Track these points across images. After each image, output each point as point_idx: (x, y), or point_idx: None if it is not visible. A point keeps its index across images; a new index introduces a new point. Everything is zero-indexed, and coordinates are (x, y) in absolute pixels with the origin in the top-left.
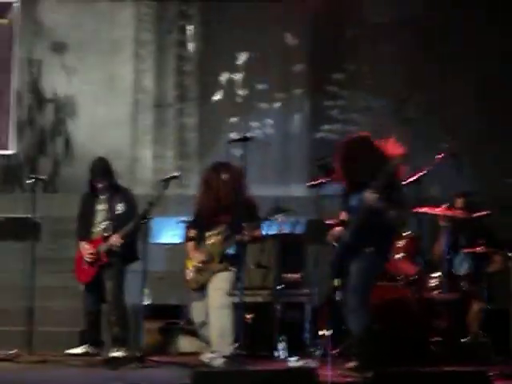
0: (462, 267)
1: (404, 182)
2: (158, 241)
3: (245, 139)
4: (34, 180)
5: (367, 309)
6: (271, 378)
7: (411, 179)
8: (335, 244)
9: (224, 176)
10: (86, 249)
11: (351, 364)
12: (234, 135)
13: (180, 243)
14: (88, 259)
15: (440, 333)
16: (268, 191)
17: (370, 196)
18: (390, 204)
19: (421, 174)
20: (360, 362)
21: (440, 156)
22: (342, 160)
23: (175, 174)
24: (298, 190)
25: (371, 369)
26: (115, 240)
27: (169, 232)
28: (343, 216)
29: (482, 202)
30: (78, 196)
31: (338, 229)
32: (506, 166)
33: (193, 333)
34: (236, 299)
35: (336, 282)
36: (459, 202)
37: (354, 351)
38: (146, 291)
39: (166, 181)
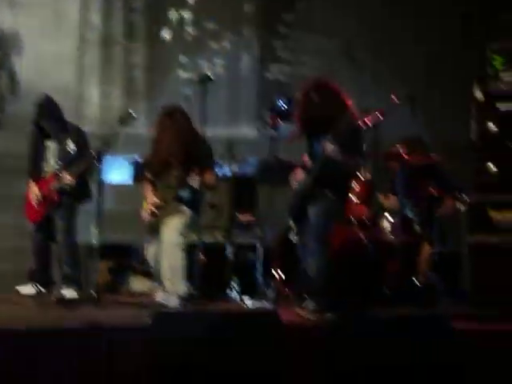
0: (413, 210)
1: (361, 127)
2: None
3: (206, 79)
4: None
5: (325, 251)
6: (233, 319)
7: (367, 124)
8: (295, 185)
9: (176, 122)
10: (33, 190)
11: (309, 305)
12: (182, 74)
13: (128, 183)
14: (34, 201)
15: (392, 275)
16: (217, 132)
17: (329, 146)
18: (349, 154)
19: (377, 119)
20: (318, 304)
21: (395, 100)
22: (305, 106)
23: (130, 111)
24: (248, 131)
25: (329, 310)
26: (67, 178)
27: (117, 171)
28: (305, 159)
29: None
30: (23, 133)
31: (299, 172)
32: (452, 110)
33: (145, 273)
34: (192, 240)
35: (293, 225)
36: (402, 147)
37: (312, 292)
38: (95, 230)
39: (123, 119)
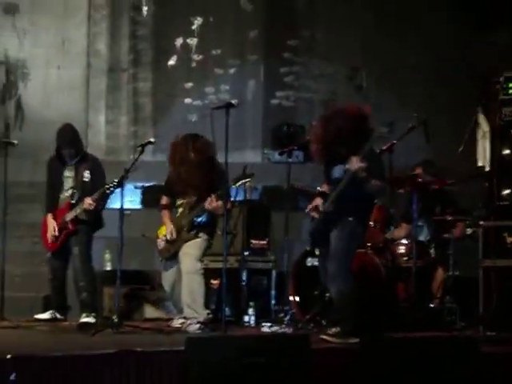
0: (423, 234)
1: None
2: (115, 206)
3: (229, 105)
4: (4, 144)
5: (349, 275)
6: (266, 343)
7: (383, 148)
8: (315, 215)
9: (193, 150)
10: (52, 224)
11: (334, 330)
12: (188, 101)
13: (138, 209)
14: (50, 239)
15: (407, 299)
16: (222, 157)
17: (356, 164)
18: (372, 174)
19: (392, 143)
20: (343, 328)
21: (411, 125)
22: (327, 132)
23: (151, 139)
24: (253, 157)
25: (355, 335)
26: (88, 203)
27: (126, 198)
28: (324, 187)
29: (439, 171)
30: (29, 161)
31: (317, 200)
32: (458, 137)
33: (158, 299)
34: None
35: (315, 251)
36: (418, 171)
37: (336, 317)
38: (108, 257)
39: (142, 146)
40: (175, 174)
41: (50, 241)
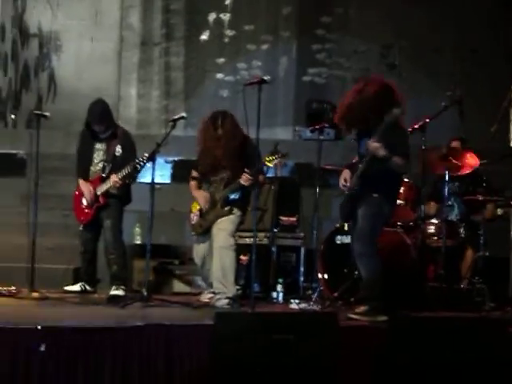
0: (454, 214)
1: (407, 130)
2: (145, 181)
3: (261, 82)
4: (37, 116)
5: (375, 254)
6: (294, 320)
7: (415, 126)
8: (346, 186)
9: (221, 128)
10: (87, 188)
11: (362, 308)
12: (220, 76)
13: (168, 183)
14: (87, 198)
15: (436, 278)
16: (254, 134)
17: (372, 144)
18: (394, 152)
19: (425, 121)
20: (371, 306)
21: (444, 104)
22: (355, 104)
23: (183, 114)
24: (284, 133)
25: (382, 313)
26: (114, 181)
27: (157, 172)
28: (355, 159)
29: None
30: (61, 133)
31: (345, 172)
32: (491, 116)
33: (187, 273)
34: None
35: (345, 227)
36: (455, 144)
37: (364, 295)
38: (138, 230)
39: (174, 121)
40: (207, 151)
41: (87, 203)
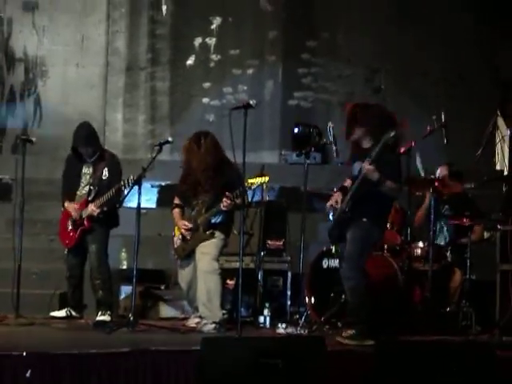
0: (442, 237)
1: (400, 153)
2: (131, 205)
3: (247, 106)
4: (22, 141)
5: (362, 277)
6: (281, 345)
7: (401, 150)
8: (335, 209)
9: (204, 147)
10: (72, 207)
11: (349, 332)
12: (206, 100)
13: (154, 208)
14: (74, 216)
15: (423, 302)
16: (240, 158)
17: (367, 167)
18: (387, 176)
19: (410, 145)
20: (358, 330)
21: (429, 128)
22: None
23: (169, 138)
24: (270, 157)
25: (369, 337)
26: (92, 209)
27: (143, 196)
28: (347, 183)
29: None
30: (47, 158)
31: (336, 195)
32: (477, 140)
33: (173, 298)
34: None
35: (334, 249)
36: (443, 171)
37: (351, 319)
38: (124, 255)
39: (160, 145)
40: (190, 171)
41: (69, 229)
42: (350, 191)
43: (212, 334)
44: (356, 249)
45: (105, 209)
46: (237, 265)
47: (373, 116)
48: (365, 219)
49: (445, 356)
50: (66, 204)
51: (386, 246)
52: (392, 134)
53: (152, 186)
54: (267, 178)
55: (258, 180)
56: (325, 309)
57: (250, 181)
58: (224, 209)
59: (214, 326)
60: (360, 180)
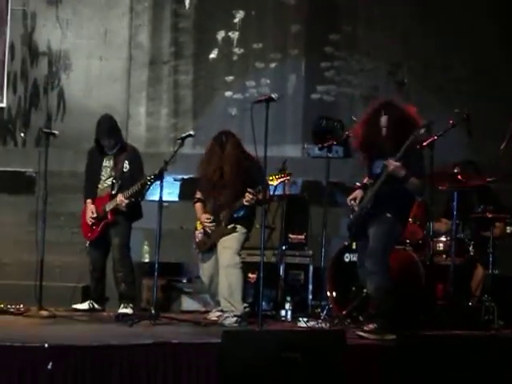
0: (465, 232)
1: (422, 148)
2: (154, 198)
3: (269, 99)
4: (46, 134)
5: (386, 272)
6: (302, 338)
7: (423, 144)
8: (355, 206)
9: (227, 148)
10: (90, 209)
11: (370, 326)
12: (229, 94)
13: (176, 201)
14: (89, 221)
15: (445, 297)
16: (262, 152)
17: (393, 164)
18: (411, 172)
19: (433, 139)
20: (379, 325)
21: (451, 121)
22: (370, 128)
23: (191, 132)
24: (293, 151)
25: (391, 331)
26: (120, 200)
27: (165, 190)
28: (366, 180)
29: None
30: (70, 151)
31: (357, 192)
32: (500, 134)
33: (195, 291)
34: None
35: (353, 246)
36: (456, 169)
37: (373, 313)
38: (147, 249)
39: (182, 139)
40: (212, 171)
41: (88, 223)
42: (373, 188)
43: (233, 327)
44: (380, 244)
45: (132, 199)
46: (258, 259)
47: (396, 120)
48: (389, 215)
49: (467, 351)
50: (87, 203)
51: (408, 241)
52: (422, 130)
53: (174, 180)
54: (288, 178)
55: (280, 180)
56: (347, 303)
57: (271, 182)
58: (246, 203)
59: (235, 319)
60: (384, 177)
